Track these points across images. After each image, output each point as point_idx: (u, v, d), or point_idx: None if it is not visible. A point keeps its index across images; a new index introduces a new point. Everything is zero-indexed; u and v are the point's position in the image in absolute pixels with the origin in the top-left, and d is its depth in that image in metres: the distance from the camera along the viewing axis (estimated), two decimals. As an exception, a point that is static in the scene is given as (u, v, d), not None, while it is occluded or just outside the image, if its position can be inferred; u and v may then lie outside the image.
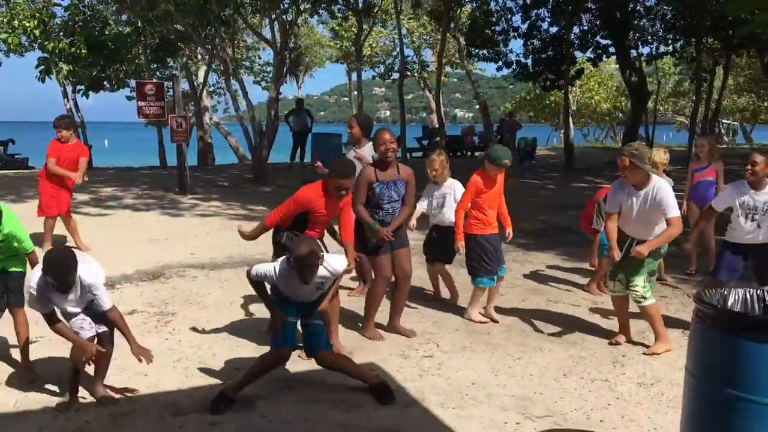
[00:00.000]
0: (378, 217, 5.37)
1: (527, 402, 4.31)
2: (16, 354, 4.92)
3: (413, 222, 6.38)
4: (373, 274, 5.61)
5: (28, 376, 4.61)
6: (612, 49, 20.88)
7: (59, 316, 4.14)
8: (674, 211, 4.94)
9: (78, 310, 4.17)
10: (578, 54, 22.51)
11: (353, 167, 5.12)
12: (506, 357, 5.10)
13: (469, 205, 5.80)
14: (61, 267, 3.83)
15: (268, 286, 4.41)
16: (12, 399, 4.32)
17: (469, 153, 25.40)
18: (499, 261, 5.92)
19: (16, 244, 4.54)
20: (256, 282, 4.33)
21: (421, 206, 6.45)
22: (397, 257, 5.50)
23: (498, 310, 6.10)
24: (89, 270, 4.08)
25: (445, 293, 6.66)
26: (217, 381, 4.62)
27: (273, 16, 17.53)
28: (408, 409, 4.21)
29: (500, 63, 22.19)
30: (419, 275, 7.28)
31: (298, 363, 4.93)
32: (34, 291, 3.96)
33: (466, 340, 5.49)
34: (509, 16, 22.36)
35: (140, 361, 4.21)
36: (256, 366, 4.33)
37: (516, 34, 21.91)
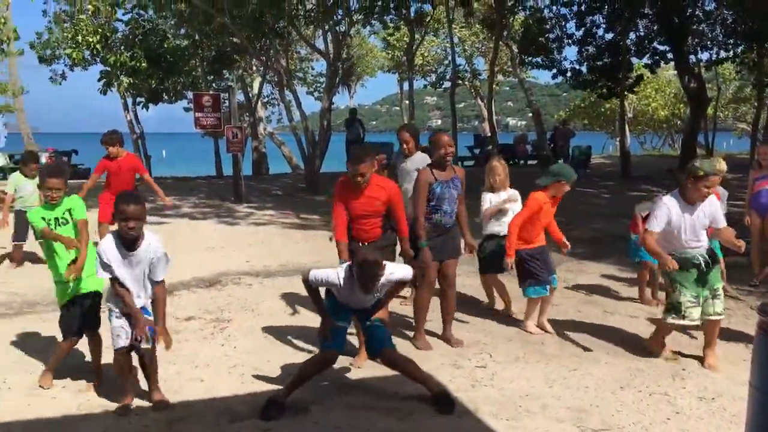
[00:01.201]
0: (437, 218, 5.35)
1: (583, 414, 4.23)
2: (78, 358, 5.06)
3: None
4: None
5: (98, 379, 4.73)
6: (670, 55, 20.38)
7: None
8: (724, 221, 5.06)
9: (134, 280, 4.22)
10: (635, 60, 22.07)
11: (367, 152, 5.10)
12: (561, 368, 5.02)
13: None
14: (127, 194, 4.06)
15: (321, 290, 4.45)
16: (76, 402, 4.45)
17: (521, 162, 25.15)
18: (549, 270, 5.83)
19: (75, 214, 4.69)
20: (311, 286, 4.37)
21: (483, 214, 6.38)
22: (443, 266, 5.49)
23: (552, 320, 6.02)
24: (157, 240, 4.26)
25: (498, 303, 6.59)
26: (271, 387, 4.67)
27: (326, 28, 17.74)
28: (461, 420, 4.18)
29: (554, 71, 21.94)
30: (471, 284, 7.24)
31: (352, 370, 4.96)
32: (102, 255, 4.10)
33: (520, 350, 5.43)
34: (563, 23, 22.14)
35: (158, 342, 4.31)
36: (303, 369, 4.37)
37: (570, 41, 21.66)
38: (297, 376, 4.36)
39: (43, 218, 4.64)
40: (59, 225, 4.65)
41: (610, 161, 27.28)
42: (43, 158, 22.98)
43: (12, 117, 23.02)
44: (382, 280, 4.22)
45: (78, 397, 4.52)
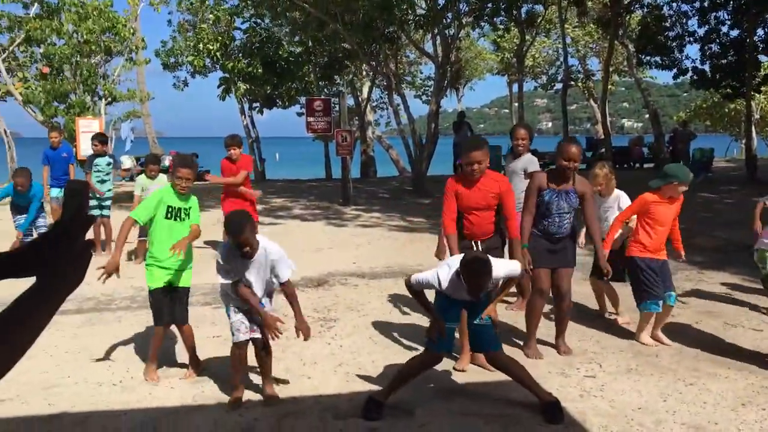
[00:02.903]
0: (544, 225, 5.23)
1: (700, 431, 4.00)
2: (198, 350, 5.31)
3: (581, 239, 6.17)
4: (530, 288, 5.48)
5: (197, 370, 4.96)
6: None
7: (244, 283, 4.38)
8: None
9: (257, 284, 4.35)
10: (762, 58, 20.69)
11: (482, 141, 5.05)
12: (677, 382, 4.77)
13: (637, 225, 5.53)
14: (236, 224, 4.12)
15: (428, 292, 4.44)
16: (191, 393, 4.68)
17: (636, 165, 24.16)
18: (665, 285, 5.54)
19: (192, 217, 4.94)
20: (416, 290, 4.38)
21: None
22: (557, 275, 5.34)
23: (668, 332, 5.73)
24: (274, 246, 4.36)
25: (610, 308, 6.36)
26: (375, 387, 4.72)
27: (435, 32, 17.78)
28: (567, 430, 4.05)
29: (674, 70, 20.94)
30: (581, 291, 7.02)
31: (456, 374, 4.93)
32: (219, 259, 4.29)
33: (632, 361, 5.21)
34: (684, 20, 21.08)
35: (297, 335, 4.45)
36: (405, 369, 4.37)
37: (692, 39, 20.60)
38: (399, 376, 4.36)
39: (171, 207, 4.86)
40: (179, 218, 4.87)
41: (734, 165, 25.73)
42: (167, 161, 24.44)
43: (139, 122, 24.58)
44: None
45: (194, 388, 4.74)
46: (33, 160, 10.56)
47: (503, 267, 4.29)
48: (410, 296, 6.49)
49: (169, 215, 4.86)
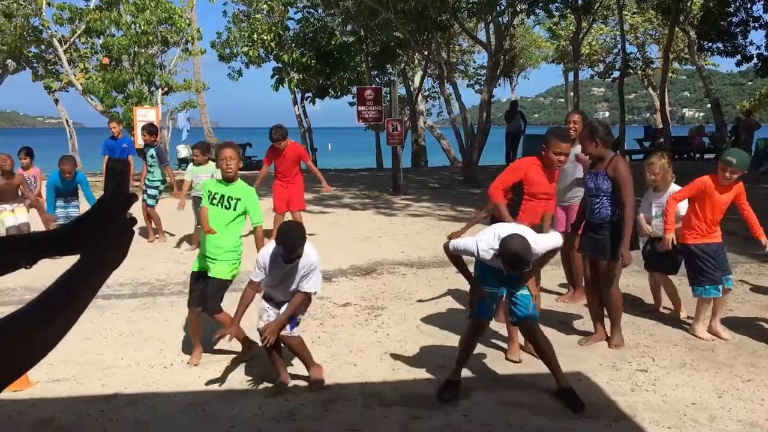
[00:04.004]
0: (588, 211, 5.16)
1: (757, 429, 3.84)
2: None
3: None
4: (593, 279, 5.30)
5: (248, 353, 4.97)
6: None
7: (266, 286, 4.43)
8: None
9: (283, 286, 4.35)
10: (834, 43, 19.78)
11: (568, 134, 5.13)
12: (733, 378, 4.60)
13: (688, 211, 5.33)
14: (290, 237, 4.12)
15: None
16: (239, 376, 4.75)
17: (697, 155, 23.44)
18: (722, 269, 5.34)
19: (248, 210, 4.91)
20: (453, 254, 4.30)
21: (641, 215, 5.95)
22: (592, 264, 5.23)
23: (726, 326, 5.53)
24: (314, 249, 4.36)
25: (666, 304, 6.17)
26: (421, 376, 4.71)
27: (489, 19, 17.55)
28: (617, 424, 3.95)
29: (738, 57, 20.19)
30: (636, 284, 6.86)
31: (506, 365, 4.87)
32: (263, 259, 4.29)
33: (687, 356, 5.05)
34: (749, 4, 20.28)
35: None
36: (462, 344, 4.42)
37: (757, 25, 19.81)
38: (461, 351, 4.40)
39: (211, 193, 4.91)
40: (222, 205, 4.88)
41: (801, 156, 24.66)
42: (222, 150, 24.84)
43: (195, 112, 25.04)
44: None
45: (242, 372, 4.81)
46: (94, 149, 10.86)
47: (544, 241, 4.21)
48: (456, 286, 6.47)
49: (213, 201, 4.91)
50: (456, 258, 4.30)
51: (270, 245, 4.37)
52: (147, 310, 6.41)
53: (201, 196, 5.29)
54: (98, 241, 1.12)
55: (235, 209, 4.89)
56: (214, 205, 4.91)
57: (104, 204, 1.16)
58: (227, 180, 4.93)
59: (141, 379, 4.72)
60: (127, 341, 5.52)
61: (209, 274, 4.87)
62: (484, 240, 4.11)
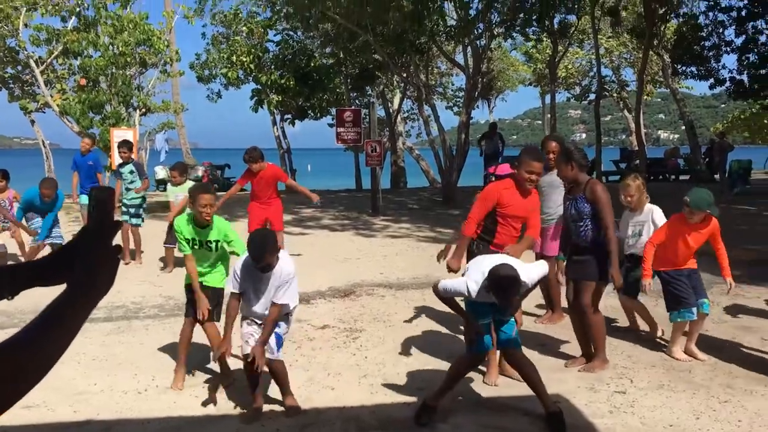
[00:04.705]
0: (574, 235, 5.17)
1: (735, 452, 3.85)
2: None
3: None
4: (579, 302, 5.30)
5: (226, 380, 4.94)
6: None
7: (244, 303, 4.40)
8: None
9: (263, 303, 4.32)
10: (803, 67, 20.21)
11: (540, 152, 5.19)
12: (710, 399, 4.62)
13: (663, 242, 5.37)
14: (259, 245, 4.08)
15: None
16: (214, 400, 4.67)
17: (672, 177, 23.76)
18: (697, 293, 5.38)
19: (228, 247, 4.90)
20: (445, 297, 4.32)
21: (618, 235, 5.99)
22: (576, 287, 5.23)
23: (702, 347, 5.56)
24: (290, 265, 4.31)
25: (642, 326, 6.20)
26: (399, 399, 4.67)
27: (466, 42, 17.74)
28: (596, 447, 3.94)
29: (711, 80, 20.60)
30: (610, 305, 6.88)
31: (486, 388, 4.85)
32: (236, 269, 4.27)
33: (664, 377, 5.06)
34: (721, 29, 20.74)
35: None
36: (453, 371, 4.37)
37: (729, 49, 20.25)
38: (447, 379, 4.35)
39: (190, 240, 4.85)
40: (204, 248, 4.87)
41: (773, 177, 25.12)
42: (200, 171, 24.71)
43: (173, 133, 24.93)
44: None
45: (218, 398, 4.73)
46: (71, 171, 10.75)
47: (532, 271, 4.23)
48: (436, 307, 6.44)
49: (194, 246, 4.87)
50: (447, 298, 4.33)
51: (242, 260, 4.35)
52: (121, 334, 6.30)
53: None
54: (84, 271, 1.11)
55: (217, 249, 4.90)
56: (196, 248, 4.89)
57: (89, 233, 1.15)
58: (204, 225, 4.87)
59: (114, 405, 4.62)
60: (100, 366, 5.41)
61: (209, 284, 4.92)
62: (473, 279, 4.17)
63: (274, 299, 4.26)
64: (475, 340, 4.28)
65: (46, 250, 8.53)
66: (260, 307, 4.35)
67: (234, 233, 4.92)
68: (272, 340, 4.30)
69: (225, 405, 4.61)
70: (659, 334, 5.96)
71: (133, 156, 9.75)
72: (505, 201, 5.02)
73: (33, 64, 18.30)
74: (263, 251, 4.07)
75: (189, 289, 4.96)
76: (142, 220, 9.72)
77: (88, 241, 1.14)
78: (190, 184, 8.56)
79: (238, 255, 4.70)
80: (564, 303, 6.15)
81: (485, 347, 4.34)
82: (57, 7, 17.58)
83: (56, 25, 18.22)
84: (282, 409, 4.49)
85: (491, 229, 5.07)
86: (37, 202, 8.53)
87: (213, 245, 4.86)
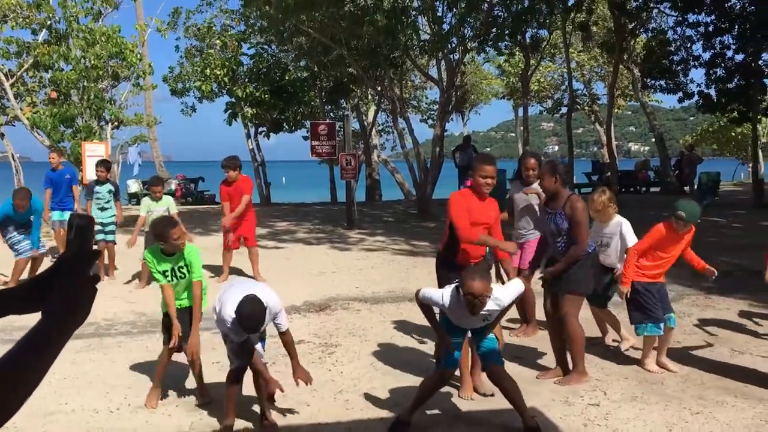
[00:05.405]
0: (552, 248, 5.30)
1: (707, 463, 3.90)
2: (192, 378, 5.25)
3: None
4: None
5: (202, 399, 4.90)
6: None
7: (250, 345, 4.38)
8: None
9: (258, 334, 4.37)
10: (768, 82, 20.66)
11: (493, 157, 5.25)
12: (682, 410, 4.67)
13: (643, 252, 5.46)
14: (254, 321, 4.05)
15: (436, 309, 4.42)
16: (188, 420, 4.61)
17: (643, 189, 24.10)
18: (664, 307, 5.46)
19: (191, 272, 4.89)
20: (423, 304, 4.35)
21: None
22: (557, 299, 5.30)
23: (674, 358, 5.63)
24: (273, 298, 4.32)
25: (614, 336, 6.26)
26: (375, 415, 4.65)
27: (440, 56, 17.86)
28: (570, 460, 3.97)
29: (680, 94, 20.95)
30: (583, 317, 6.94)
31: (462, 402, 4.86)
32: (229, 323, 4.16)
33: (637, 389, 5.11)
34: (689, 44, 21.15)
35: (297, 384, 4.43)
36: (422, 388, 4.38)
37: (697, 63, 20.62)
38: (418, 395, 4.37)
39: (162, 271, 4.82)
40: (176, 277, 4.86)
41: (742, 189, 25.60)
42: (173, 185, 24.49)
43: (146, 146, 24.68)
44: (492, 305, 4.11)
45: (191, 416, 4.68)
46: (42, 184, 10.60)
47: (507, 291, 4.27)
48: (411, 321, 6.46)
49: (168, 276, 4.84)
50: (426, 307, 4.36)
51: (227, 306, 4.19)
52: (92, 352, 6.20)
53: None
54: (61, 300, 1.10)
55: (190, 272, 4.89)
56: (171, 280, 4.86)
57: (67, 262, 1.14)
58: (173, 253, 4.84)
59: (85, 425, 4.54)
60: (71, 384, 5.32)
61: (181, 307, 4.91)
62: (448, 289, 4.27)
63: (279, 329, 4.40)
64: (443, 356, 4.33)
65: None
66: (254, 337, 4.39)
67: (199, 260, 4.93)
68: (260, 346, 4.45)
69: (199, 423, 4.56)
70: (632, 343, 6.02)
71: (110, 177, 9.70)
72: (471, 207, 5.02)
73: (2, 77, 18.02)
74: (257, 325, 4.09)
75: (167, 316, 4.90)
76: (114, 236, 9.61)
77: (66, 270, 1.13)
78: (166, 198, 8.85)
79: (193, 279, 4.87)
80: (539, 315, 6.20)
81: (453, 364, 4.37)
82: (27, 20, 17.32)
83: (27, 38, 17.98)
84: (256, 429, 4.45)
85: (454, 241, 5.05)
86: (12, 214, 8.55)
87: (185, 270, 4.87)
